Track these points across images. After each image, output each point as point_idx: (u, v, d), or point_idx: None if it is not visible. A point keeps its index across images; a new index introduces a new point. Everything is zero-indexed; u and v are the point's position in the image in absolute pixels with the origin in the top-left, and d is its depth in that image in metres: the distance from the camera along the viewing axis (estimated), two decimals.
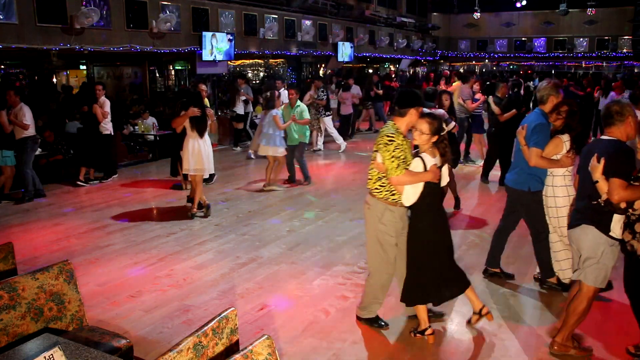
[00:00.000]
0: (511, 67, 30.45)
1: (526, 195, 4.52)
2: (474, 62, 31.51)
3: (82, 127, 9.69)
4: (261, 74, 17.64)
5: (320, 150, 12.25)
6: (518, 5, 25.76)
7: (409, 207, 3.81)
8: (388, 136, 3.67)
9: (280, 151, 8.35)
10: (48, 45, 9.93)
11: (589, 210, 3.50)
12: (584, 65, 28.99)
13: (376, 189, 3.81)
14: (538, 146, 4.27)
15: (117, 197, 8.19)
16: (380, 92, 15.08)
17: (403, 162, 3.64)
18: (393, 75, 19.53)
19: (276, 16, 16.08)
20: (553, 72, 27.77)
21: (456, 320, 4.24)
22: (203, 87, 8.58)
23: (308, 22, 17.65)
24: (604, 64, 28.43)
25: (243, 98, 12.09)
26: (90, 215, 7.24)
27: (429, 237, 3.82)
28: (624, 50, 27.50)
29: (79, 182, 8.84)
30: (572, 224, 3.67)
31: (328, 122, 12.25)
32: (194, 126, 6.79)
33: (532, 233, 4.68)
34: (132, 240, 6.18)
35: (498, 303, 4.51)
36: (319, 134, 12.32)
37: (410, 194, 3.69)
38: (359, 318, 4.19)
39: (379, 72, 24.21)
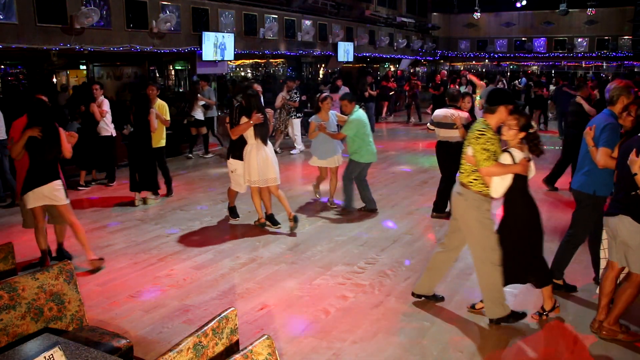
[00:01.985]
0: (511, 67, 30.45)
1: (590, 199, 4.42)
2: (474, 62, 31.49)
3: (80, 127, 9.35)
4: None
5: (278, 152, 11.54)
6: (518, 5, 25.73)
7: (504, 197, 4.01)
8: (479, 130, 3.89)
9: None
10: (48, 45, 9.91)
11: (626, 201, 3.67)
12: (584, 65, 28.99)
13: (470, 182, 4.00)
14: (608, 146, 4.12)
15: (117, 197, 8.19)
16: (375, 93, 15.06)
17: (493, 155, 3.85)
18: (391, 76, 19.50)
19: (276, 16, 16.06)
20: (553, 72, 27.75)
21: (456, 319, 4.24)
22: (259, 87, 7.67)
23: (308, 22, 17.63)
24: (604, 64, 28.42)
25: (202, 103, 11.23)
26: (90, 215, 7.24)
27: (524, 221, 4.01)
28: (624, 50, 27.48)
29: (80, 188, 8.60)
30: (610, 212, 3.83)
31: (296, 124, 11.72)
32: (257, 133, 6.12)
33: (570, 234, 4.63)
34: (132, 240, 6.19)
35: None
36: (282, 136, 11.88)
37: (498, 186, 3.90)
38: (491, 321, 4.14)
39: (378, 72, 24.20)
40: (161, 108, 7.89)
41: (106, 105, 8.71)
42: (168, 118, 8.00)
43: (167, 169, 8.19)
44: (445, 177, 6.84)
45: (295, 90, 11.60)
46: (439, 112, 6.71)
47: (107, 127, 8.79)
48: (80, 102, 9.13)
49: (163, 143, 8.08)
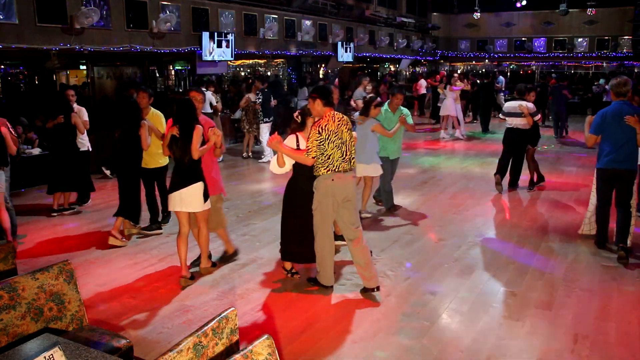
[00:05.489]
0: (511, 67, 30.47)
1: (634, 174, 5.43)
2: (474, 62, 31.51)
3: (56, 141, 7.22)
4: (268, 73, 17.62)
5: (249, 157, 11.30)
6: (518, 5, 25.73)
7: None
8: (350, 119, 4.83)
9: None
10: (48, 45, 9.93)
11: None
12: (584, 65, 29.01)
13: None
14: None
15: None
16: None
17: None
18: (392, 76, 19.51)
19: (276, 16, 16.08)
20: (553, 72, 27.78)
21: (456, 319, 4.24)
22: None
23: (308, 22, 17.65)
24: (604, 64, 28.44)
25: None
26: (90, 215, 7.24)
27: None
28: (624, 50, 27.50)
29: (53, 214, 7.18)
30: None
31: (264, 130, 10.77)
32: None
33: (626, 204, 5.46)
34: (132, 241, 6.19)
35: (497, 302, 4.52)
36: (253, 141, 11.35)
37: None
38: (316, 283, 4.84)
39: (378, 72, 24.20)
40: (155, 119, 6.34)
41: (84, 114, 7.42)
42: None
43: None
44: (516, 157, 8.20)
45: (259, 91, 10.81)
46: (509, 104, 8.09)
47: (84, 141, 7.45)
48: (56, 110, 7.18)
49: (164, 162, 6.55)
